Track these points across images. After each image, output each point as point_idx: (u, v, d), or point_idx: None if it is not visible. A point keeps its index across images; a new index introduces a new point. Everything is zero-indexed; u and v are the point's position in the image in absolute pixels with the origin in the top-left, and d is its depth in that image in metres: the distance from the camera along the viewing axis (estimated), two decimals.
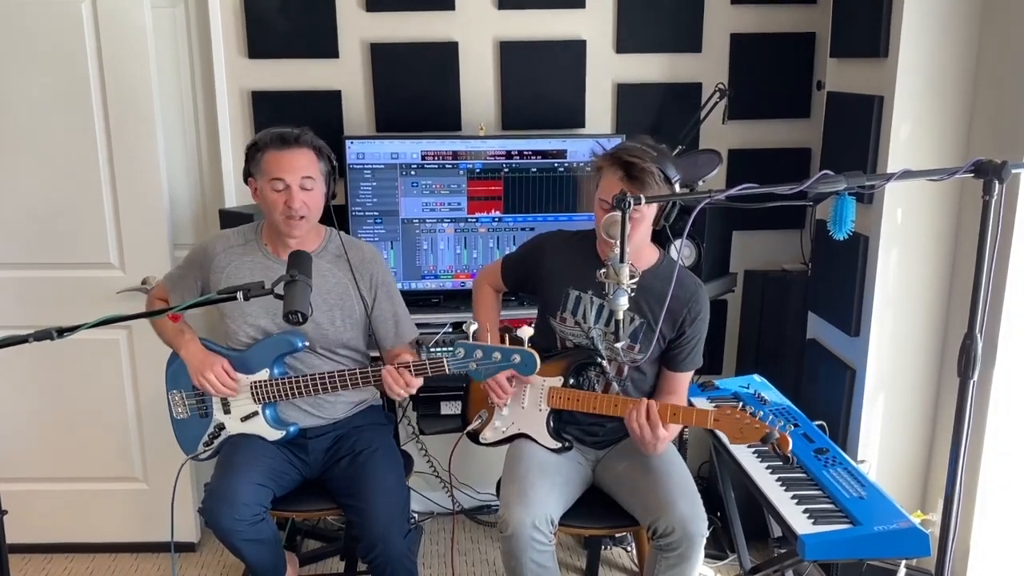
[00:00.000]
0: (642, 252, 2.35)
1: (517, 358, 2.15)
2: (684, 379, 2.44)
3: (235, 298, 1.81)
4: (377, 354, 2.56)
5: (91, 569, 3.12)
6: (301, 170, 2.30)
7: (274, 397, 2.40)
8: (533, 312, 2.60)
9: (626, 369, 2.36)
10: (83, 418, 3.06)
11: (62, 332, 1.72)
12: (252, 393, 2.41)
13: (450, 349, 2.20)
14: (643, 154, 2.19)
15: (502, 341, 2.24)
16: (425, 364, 2.26)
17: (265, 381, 2.39)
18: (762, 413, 2.12)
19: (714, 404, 2.59)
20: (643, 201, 1.78)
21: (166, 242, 2.90)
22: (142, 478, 3.13)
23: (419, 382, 2.29)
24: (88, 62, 2.75)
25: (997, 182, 1.66)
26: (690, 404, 2.52)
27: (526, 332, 2.21)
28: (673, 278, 2.09)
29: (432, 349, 2.71)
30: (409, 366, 2.27)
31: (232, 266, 2.42)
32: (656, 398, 2.40)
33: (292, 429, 2.44)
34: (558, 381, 2.35)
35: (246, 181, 2.40)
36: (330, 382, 2.35)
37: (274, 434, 2.43)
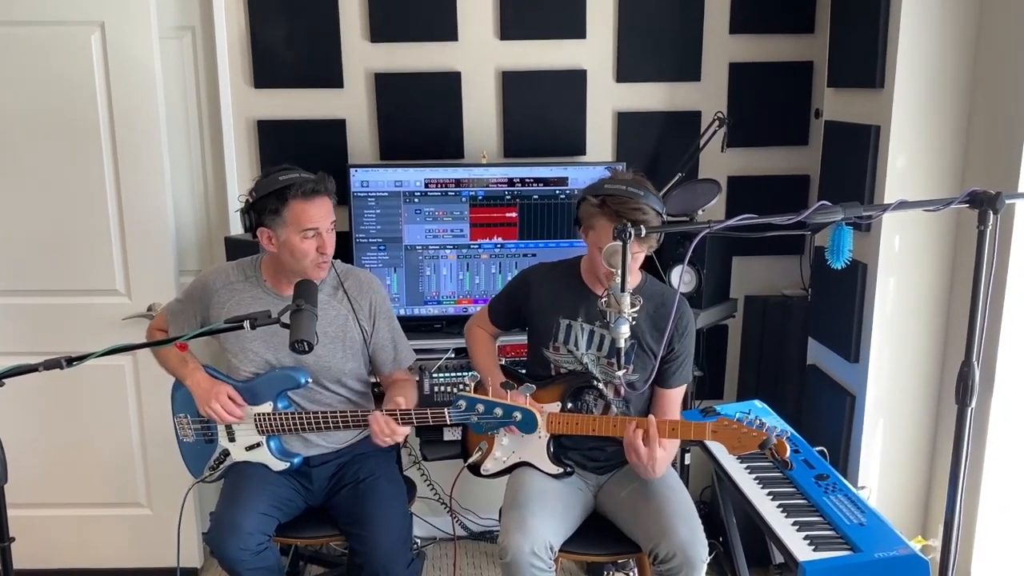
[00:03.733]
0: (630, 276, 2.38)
1: (518, 416, 2.19)
2: (677, 395, 2.45)
3: (242, 327, 1.83)
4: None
5: None
6: (329, 216, 2.33)
7: (277, 430, 2.42)
8: None
9: (623, 390, 2.38)
10: (87, 444, 3.08)
11: (71, 361, 1.75)
12: (256, 425, 2.42)
13: (459, 374, 2.23)
14: (636, 202, 2.17)
15: (503, 389, 2.28)
16: (411, 413, 2.31)
17: (269, 414, 2.41)
18: (759, 421, 2.14)
19: None
20: (643, 232, 1.81)
21: (172, 269, 2.93)
22: (146, 504, 3.14)
23: (405, 431, 2.33)
24: (96, 91, 2.80)
25: (992, 212, 1.67)
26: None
27: (528, 390, 2.23)
28: (658, 298, 2.11)
29: (436, 375, 2.73)
30: (396, 415, 2.30)
31: (233, 301, 2.43)
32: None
33: (296, 460, 2.46)
34: (556, 407, 2.37)
35: (252, 229, 2.34)
36: (332, 420, 2.38)
37: (279, 464, 2.45)
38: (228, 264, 2.55)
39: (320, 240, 2.32)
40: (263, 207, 2.30)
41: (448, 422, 2.27)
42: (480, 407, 2.21)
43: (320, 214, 2.30)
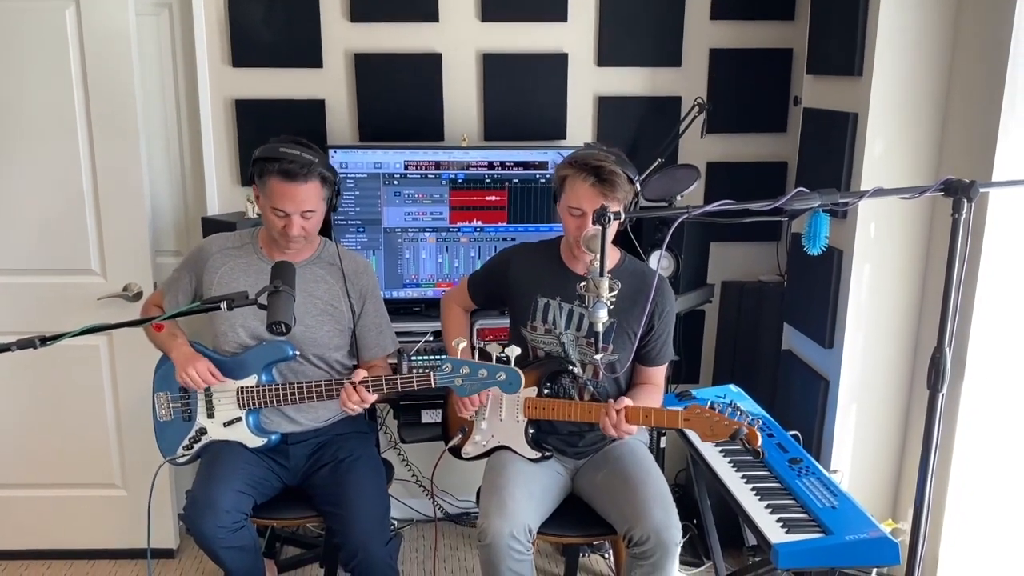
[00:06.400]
0: (607, 254, 2.39)
1: (502, 376, 2.19)
2: (660, 371, 2.49)
3: (219, 308, 1.82)
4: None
5: None
6: (303, 204, 2.31)
7: (259, 403, 2.42)
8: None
9: (601, 372, 2.40)
10: (62, 424, 3.05)
11: (45, 341, 1.72)
12: (238, 398, 2.42)
13: (437, 357, 2.23)
14: (605, 158, 2.25)
15: (488, 358, 2.28)
16: (381, 379, 2.31)
17: (252, 387, 2.41)
18: (730, 411, 2.16)
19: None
20: (623, 216, 1.82)
21: (148, 249, 2.91)
22: (121, 484, 3.12)
23: (373, 398, 2.33)
24: (71, 68, 2.75)
25: (966, 201, 1.70)
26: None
27: (513, 351, 2.24)
28: (638, 277, 2.16)
29: (414, 357, 2.73)
30: (368, 381, 2.31)
31: (227, 267, 2.45)
32: (633, 390, 2.45)
33: (273, 438, 2.46)
34: (533, 391, 2.38)
35: (249, 183, 2.42)
36: (316, 391, 2.37)
37: (255, 441, 2.44)
38: (228, 232, 2.57)
39: (287, 221, 2.32)
40: (256, 169, 2.34)
41: (434, 385, 2.27)
42: (465, 369, 2.21)
43: (291, 199, 2.29)
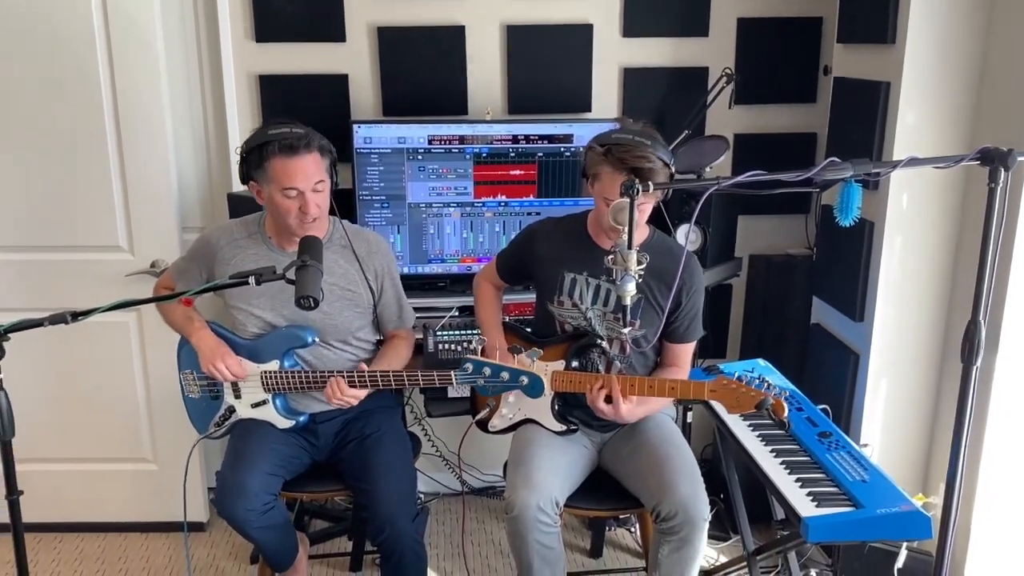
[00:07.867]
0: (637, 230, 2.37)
1: (524, 380, 2.19)
2: (687, 350, 2.47)
3: (247, 283, 1.82)
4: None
5: (102, 548, 3.17)
6: (313, 176, 2.26)
7: (283, 388, 2.42)
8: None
9: (628, 347, 2.39)
10: (93, 399, 3.09)
11: (76, 316, 1.74)
12: (263, 382, 2.43)
13: (462, 333, 2.23)
14: (642, 150, 2.16)
15: (511, 353, 2.28)
16: (376, 375, 2.35)
17: (275, 372, 2.41)
18: (757, 382, 2.14)
19: None
20: (651, 188, 1.80)
21: (175, 225, 2.92)
22: (152, 459, 3.16)
23: (362, 394, 2.35)
24: (96, 45, 2.76)
25: (1003, 170, 1.66)
26: None
27: (535, 354, 2.23)
28: (665, 252, 2.15)
29: (439, 333, 2.73)
30: (354, 377, 2.32)
31: (237, 258, 2.41)
32: (660, 370, 2.45)
33: (302, 419, 2.47)
34: (560, 365, 2.37)
35: (245, 182, 2.34)
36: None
37: (284, 423, 2.45)
38: (232, 221, 2.54)
39: (302, 200, 2.26)
40: (251, 160, 2.28)
41: (454, 384, 2.28)
42: (487, 370, 2.21)
43: (300, 173, 2.24)
